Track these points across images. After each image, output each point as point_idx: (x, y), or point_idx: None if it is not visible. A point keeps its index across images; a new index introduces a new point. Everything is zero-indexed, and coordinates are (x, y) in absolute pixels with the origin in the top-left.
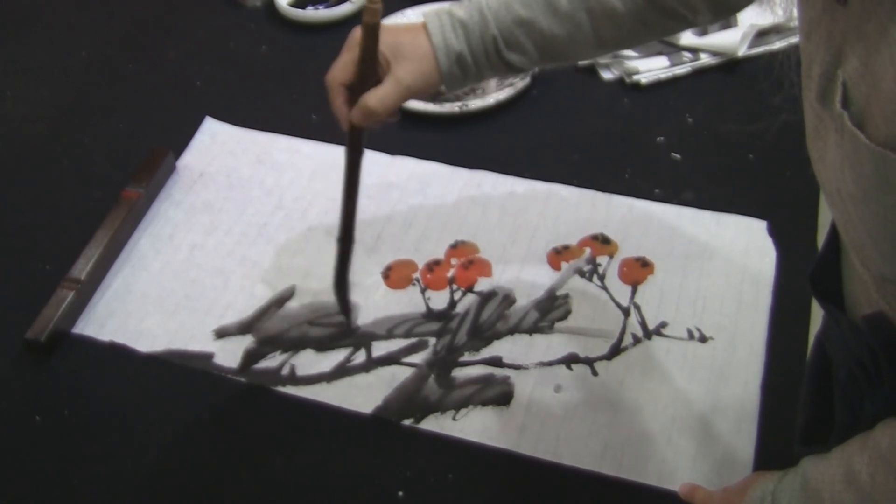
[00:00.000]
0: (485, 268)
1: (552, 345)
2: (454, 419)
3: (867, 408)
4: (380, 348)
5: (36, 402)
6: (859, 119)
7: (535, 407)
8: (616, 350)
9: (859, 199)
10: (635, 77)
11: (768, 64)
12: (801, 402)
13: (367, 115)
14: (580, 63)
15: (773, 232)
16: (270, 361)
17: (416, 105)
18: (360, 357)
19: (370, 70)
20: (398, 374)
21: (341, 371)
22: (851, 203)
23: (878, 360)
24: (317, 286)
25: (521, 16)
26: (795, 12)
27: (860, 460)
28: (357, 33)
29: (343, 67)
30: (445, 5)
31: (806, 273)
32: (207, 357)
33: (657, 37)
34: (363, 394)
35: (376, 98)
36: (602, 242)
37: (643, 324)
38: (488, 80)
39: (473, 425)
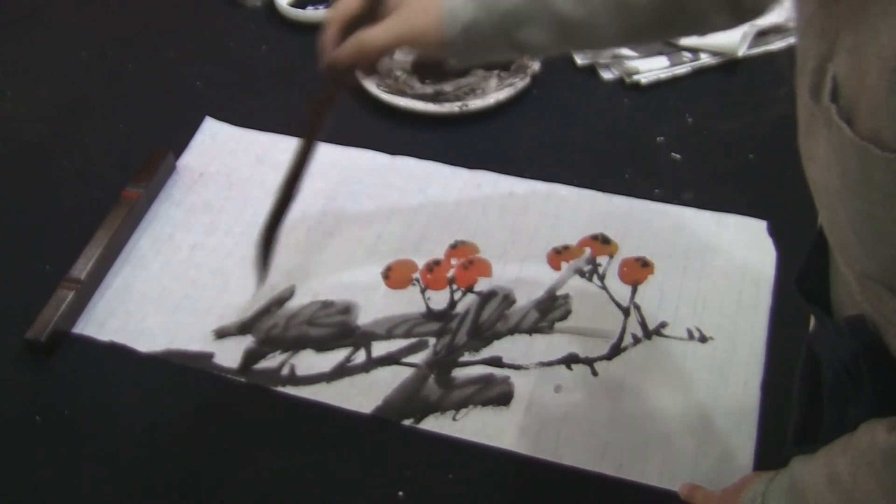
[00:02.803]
0: (485, 268)
1: (552, 345)
2: (454, 419)
3: (851, 410)
4: (380, 348)
5: (36, 402)
6: (847, 113)
7: (535, 407)
8: (616, 350)
9: (844, 195)
10: (635, 77)
11: (768, 64)
12: (793, 402)
13: (359, 50)
14: (580, 63)
15: (773, 232)
16: (270, 361)
17: (416, 105)
18: (360, 357)
19: (374, 8)
20: (398, 374)
21: (341, 371)
22: (837, 199)
23: (860, 364)
24: (317, 286)
25: None
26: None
27: (842, 461)
28: None
29: (347, 2)
30: None
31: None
32: (207, 357)
33: (673, 36)
34: (363, 394)
35: (370, 34)
36: (602, 242)
37: (643, 324)
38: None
39: (473, 425)
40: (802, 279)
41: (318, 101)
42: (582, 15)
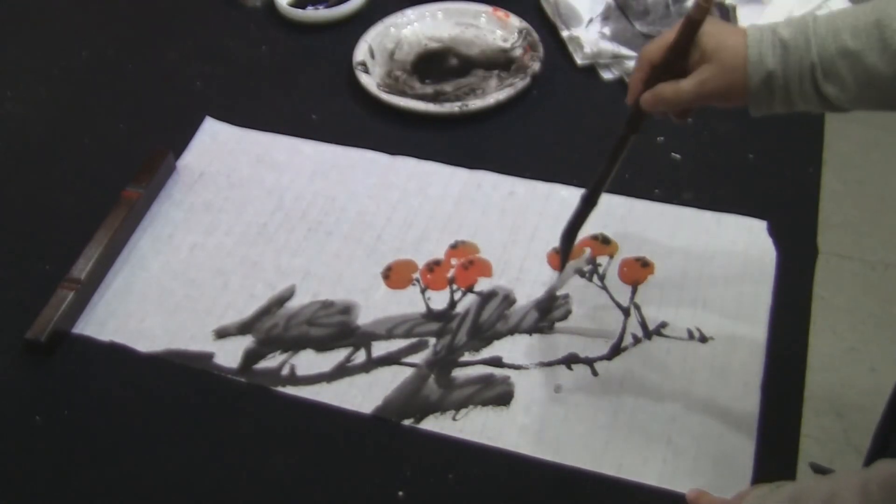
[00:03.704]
0: (485, 268)
1: (552, 345)
2: (454, 419)
3: None
4: (380, 348)
5: (36, 402)
6: None
7: (535, 407)
8: (616, 350)
9: None
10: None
11: None
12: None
13: (657, 102)
14: (580, 63)
15: (773, 232)
16: (270, 361)
17: (416, 105)
18: (360, 357)
19: (677, 59)
20: (398, 374)
21: (341, 371)
22: None
23: None
24: (317, 286)
25: (847, 47)
26: (794, 12)
27: (847, 485)
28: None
29: (658, 47)
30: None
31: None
32: (207, 357)
33: None
34: (363, 394)
35: (672, 90)
36: (602, 242)
37: (643, 324)
38: (491, 70)
39: (473, 425)
40: None
41: (622, 134)
42: (894, 72)
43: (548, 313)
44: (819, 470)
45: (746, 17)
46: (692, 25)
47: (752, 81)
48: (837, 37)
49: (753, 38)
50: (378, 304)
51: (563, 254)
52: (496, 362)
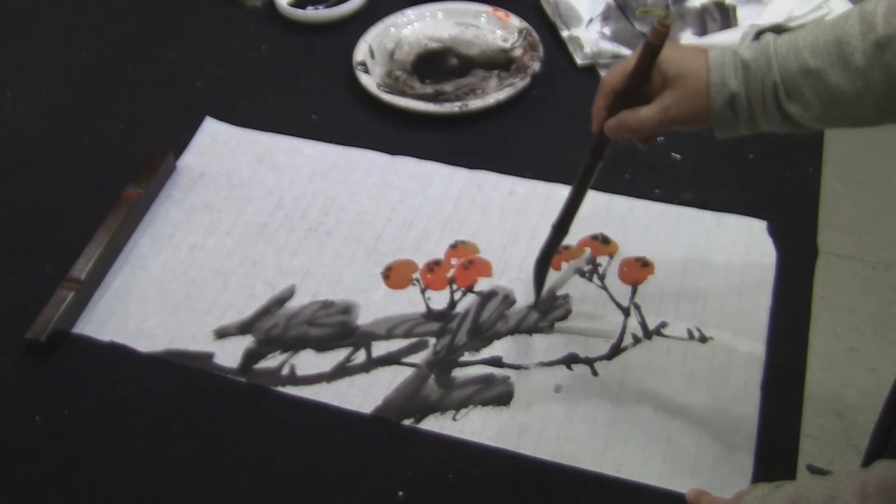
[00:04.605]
0: (485, 268)
1: (552, 345)
2: (454, 419)
3: None
4: (380, 348)
5: (36, 402)
6: None
7: (535, 407)
8: (616, 350)
9: None
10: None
11: None
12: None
13: (621, 130)
14: (580, 63)
15: (773, 232)
16: (270, 361)
17: (416, 105)
18: (360, 357)
19: (639, 85)
20: (398, 374)
21: (341, 371)
22: None
23: None
24: (317, 286)
25: (808, 65)
26: (794, 12)
27: (847, 486)
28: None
29: (618, 73)
30: (715, 41)
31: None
32: (207, 357)
33: None
34: (363, 394)
35: (636, 118)
36: (602, 242)
37: (643, 324)
38: (491, 70)
39: (473, 425)
40: None
41: (588, 162)
42: (856, 89)
43: (548, 313)
44: (816, 471)
45: (746, 17)
46: (651, 50)
47: (716, 104)
48: (798, 56)
49: (715, 61)
50: (378, 304)
51: (537, 283)
52: (496, 362)
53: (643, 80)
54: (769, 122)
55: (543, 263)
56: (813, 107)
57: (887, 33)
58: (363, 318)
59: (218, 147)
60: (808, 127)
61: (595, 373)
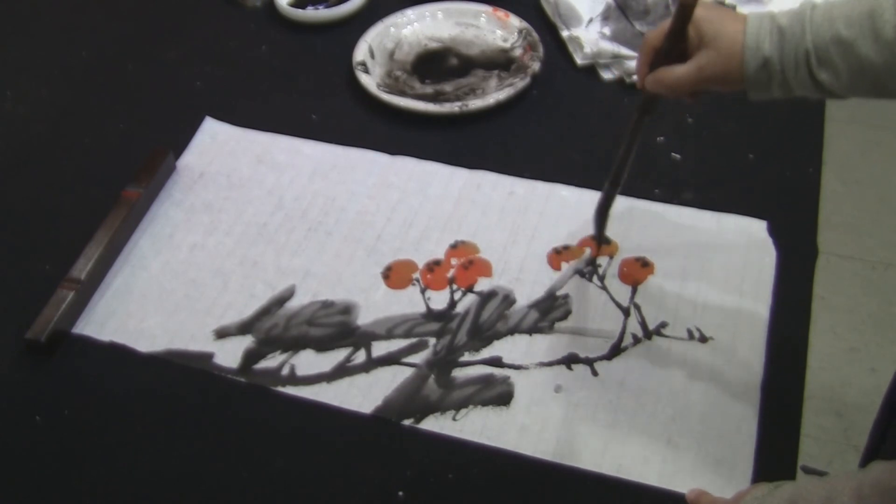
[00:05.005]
0: (485, 268)
1: (552, 345)
2: (454, 419)
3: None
4: (380, 348)
5: (36, 402)
6: None
7: (535, 407)
8: (616, 350)
9: None
10: (635, 77)
11: None
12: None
13: (659, 87)
14: (580, 63)
15: (773, 232)
16: (270, 361)
17: (416, 105)
18: (360, 357)
19: (675, 44)
20: (398, 374)
21: (341, 371)
22: None
23: None
24: (317, 286)
25: (840, 35)
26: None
27: (843, 487)
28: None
29: (659, 32)
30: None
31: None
32: (207, 357)
33: None
34: (363, 394)
35: (672, 76)
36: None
37: (643, 324)
38: (491, 70)
39: (473, 425)
40: None
41: (635, 120)
42: (885, 60)
43: (548, 313)
44: (810, 472)
45: None
46: (685, 10)
47: (749, 67)
48: (832, 25)
49: (752, 24)
50: (378, 304)
51: (599, 231)
52: (496, 362)
53: (679, 39)
54: (801, 88)
55: (602, 213)
56: (842, 76)
57: None
58: (363, 318)
59: (218, 147)
60: (839, 94)
61: (595, 373)
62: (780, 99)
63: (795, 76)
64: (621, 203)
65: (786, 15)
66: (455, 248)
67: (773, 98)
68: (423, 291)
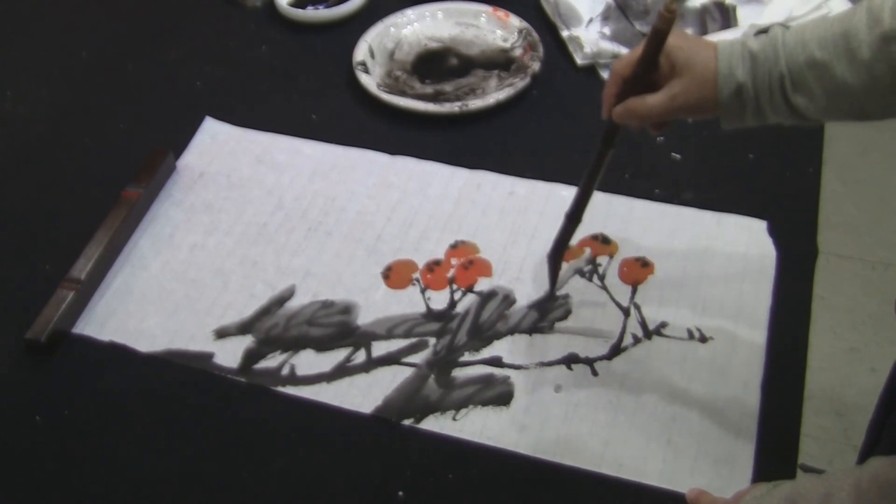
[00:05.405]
0: (485, 268)
1: (552, 345)
2: (454, 419)
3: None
4: (380, 348)
5: (36, 402)
6: None
7: (535, 407)
8: (616, 350)
9: None
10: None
11: None
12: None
13: (629, 116)
14: (580, 63)
15: (773, 232)
16: (270, 361)
17: (416, 105)
18: (360, 357)
19: (647, 72)
20: (398, 374)
21: (341, 371)
22: None
23: None
24: (317, 286)
25: (815, 58)
26: (794, 12)
27: (842, 484)
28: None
29: (627, 60)
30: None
31: (806, 273)
32: (207, 357)
33: None
34: (363, 394)
35: (644, 106)
36: (602, 242)
37: (643, 324)
38: (491, 70)
39: (473, 425)
40: None
41: (599, 150)
42: (861, 82)
43: (548, 313)
44: (809, 470)
45: (746, 16)
46: (658, 36)
47: (723, 94)
48: (805, 48)
49: (723, 51)
50: (378, 304)
51: (552, 275)
52: (496, 362)
53: (651, 66)
54: (776, 114)
55: (557, 254)
56: (819, 99)
57: (894, 27)
58: (363, 318)
59: (218, 147)
60: (815, 119)
61: (595, 373)
62: (753, 127)
63: (770, 102)
64: (621, 203)
65: (757, 40)
66: (455, 248)
67: (746, 126)
68: (423, 291)
